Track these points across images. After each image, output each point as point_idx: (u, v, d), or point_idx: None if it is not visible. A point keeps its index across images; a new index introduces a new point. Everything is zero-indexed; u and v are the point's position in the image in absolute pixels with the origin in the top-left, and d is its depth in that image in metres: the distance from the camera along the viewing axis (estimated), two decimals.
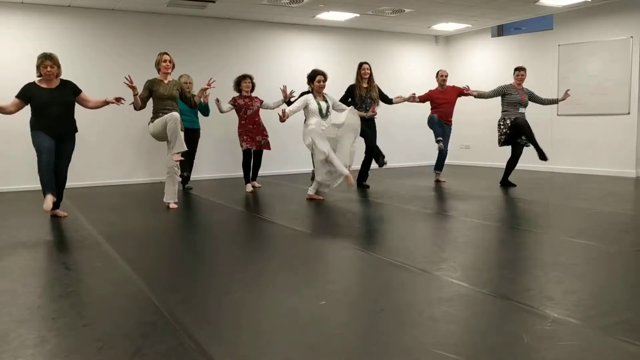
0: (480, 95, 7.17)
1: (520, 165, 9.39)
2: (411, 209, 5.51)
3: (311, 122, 5.91)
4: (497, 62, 10.05)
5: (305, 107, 5.97)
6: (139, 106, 5.51)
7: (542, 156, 6.62)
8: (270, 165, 8.58)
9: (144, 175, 8.27)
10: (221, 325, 2.45)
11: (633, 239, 4.07)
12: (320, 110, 5.91)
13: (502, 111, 6.99)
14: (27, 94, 4.86)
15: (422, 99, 7.71)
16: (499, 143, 7.06)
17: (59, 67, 4.94)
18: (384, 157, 6.91)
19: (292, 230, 4.55)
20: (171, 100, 5.59)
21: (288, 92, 6.99)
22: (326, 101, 6.03)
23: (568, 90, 7.13)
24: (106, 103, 5.16)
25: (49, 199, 4.83)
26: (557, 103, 7.21)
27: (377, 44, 10.11)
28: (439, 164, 7.75)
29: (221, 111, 6.89)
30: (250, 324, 2.44)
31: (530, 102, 7.07)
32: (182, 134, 5.46)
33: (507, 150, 9.12)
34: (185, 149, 5.52)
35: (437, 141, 7.46)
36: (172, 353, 2.12)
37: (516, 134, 6.85)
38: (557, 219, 5.05)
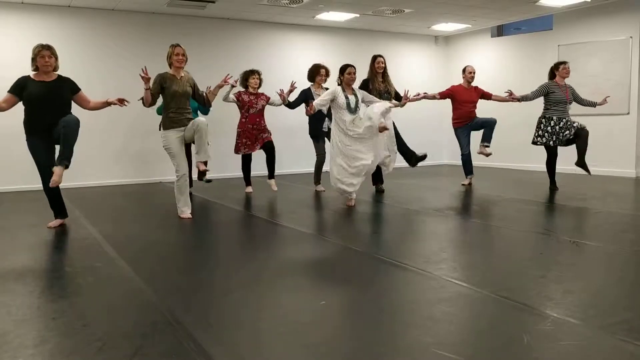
0: (524, 98, 6.66)
1: (520, 165, 9.41)
2: (411, 209, 5.51)
3: (339, 136, 5.45)
4: (496, 63, 10.05)
5: (333, 101, 5.53)
6: (149, 102, 4.97)
7: (585, 168, 6.44)
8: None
9: (145, 176, 8.27)
10: (221, 325, 2.45)
11: (633, 239, 4.07)
12: (348, 104, 5.47)
13: (545, 109, 6.56)
14: (20, 87, 4.45)
15: (443, 95, 7.25)
16: (534, 141, 6.63)
17: (56, 58, 4.56)
18: (415, 155, 6.35)
19: (292, 230, 4.55)
20: (184, 99, 5.06)
21: (286, 91, 6.51)
22: (355, 95, 5.60)
23: (608, 97, 6.84)
24: (107, 104, 4.78)
25: (57, 222, 4.81)
26: (595, 107, 6.81)
27: (376, 44, 10.09)
28: (469, 168, 7.30)
29: (224, 99, 6.43)
30: (250, 324, 2.44)
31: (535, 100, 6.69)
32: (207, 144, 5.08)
33: (506, 150, 9.13)
34: (210, 157, 5.09)
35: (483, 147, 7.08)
36: (172, 353, 2.12)
37: (567, 141, 6.49)
38: (557, 219, 5.06)
